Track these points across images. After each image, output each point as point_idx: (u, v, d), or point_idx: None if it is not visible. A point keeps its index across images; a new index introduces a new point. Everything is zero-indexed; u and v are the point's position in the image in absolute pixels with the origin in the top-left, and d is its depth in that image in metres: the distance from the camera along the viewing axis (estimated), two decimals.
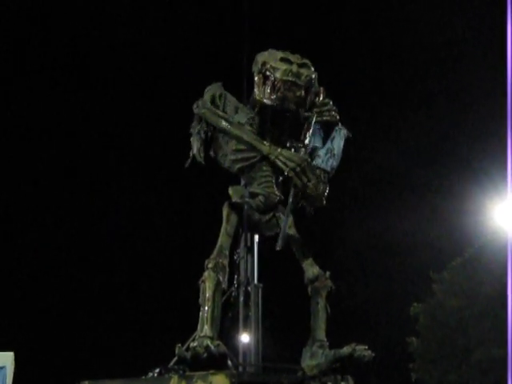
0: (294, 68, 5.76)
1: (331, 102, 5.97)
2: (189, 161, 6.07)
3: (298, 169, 5.60)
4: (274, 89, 5.77)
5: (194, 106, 6.02)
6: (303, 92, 5.80)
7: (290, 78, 5.74)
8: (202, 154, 6.01)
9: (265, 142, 5.77)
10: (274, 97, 5.74)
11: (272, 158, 5.68)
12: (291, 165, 5.61)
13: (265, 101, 5.79)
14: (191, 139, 6.10)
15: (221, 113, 5.94)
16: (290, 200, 5.72)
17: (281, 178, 6.08)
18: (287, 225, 5.72)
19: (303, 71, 5.80)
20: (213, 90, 6.09)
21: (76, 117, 24.83)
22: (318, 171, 5.78)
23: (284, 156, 5.66)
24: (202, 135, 6.01)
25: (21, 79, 24.18)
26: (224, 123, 5.87)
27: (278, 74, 5.74)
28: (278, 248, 5.64)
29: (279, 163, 5.65)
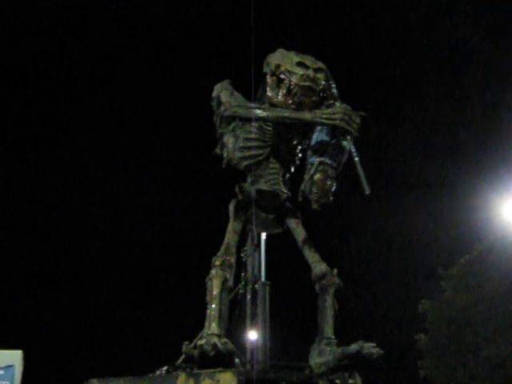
0: (311, 73, 5.77)
1: (335, 90, 5.94)
2: (225, 161, 6.07)
3: (346, 117, 5.59)
4: (289, 93, 5.78)
5: (222, 109, 5.97)
6: (318, 96, 5.82)
7: (308, 84, 5.75)
8: (237, 152, 5.97)
9: (303, 112, 5.72)
10: (290, 101, 5.76)
11: (318, 120, 5.65)
12: (338, 116, 5.59)
13: (280, 105, 5.77)
14: (224, 139, 6.07)
15: (250, 104, 5.93)
16: (353, 149, 5.63)
17: (288, 176, 6.07)
18: (361, 167, 5.57)
19: (319, 76, 5.81)
20: (226, 88, 6.05)
21: (81, 116, 24.85)
22: (325, 167, 5.76)
23: (327, 113, 5.65)
24: (238, 133, 5.96)
25: (21, 79, 24.22)
26: (259, 111, 5.81)
27: (294, 79, 5.76)
28: (367, 192, 5.48)
29: (327, 121, 5.63)
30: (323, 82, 5.85)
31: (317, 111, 5.67)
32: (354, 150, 5.63)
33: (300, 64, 5.81)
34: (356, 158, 5.59)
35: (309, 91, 5.78)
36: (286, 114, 5.73)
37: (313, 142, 5.88)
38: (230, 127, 6.00)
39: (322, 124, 5.70)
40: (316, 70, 5.82)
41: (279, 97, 5.82)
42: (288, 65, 5.82)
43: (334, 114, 5.62)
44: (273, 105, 5.86)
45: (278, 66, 5.85)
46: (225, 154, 6.10)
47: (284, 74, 5.81)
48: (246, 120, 5.88)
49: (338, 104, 5.77)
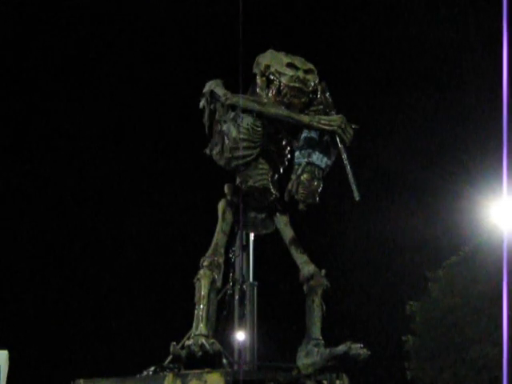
0: (301, 74, 5.81)
1: (330, 100, 5.97)
2: (217, 149, 6.00)
3: (343, 125, 5.65)
4: (279, 94, 5.82)
5: (223, 98, 5.90)
6: (308, 98, 5.85)
7: (297, 85, 5.79)
8: (226, 153, 5.94)
9: (301, 114, 5.78)
10: (279, 102, 5.79)
11: (315, 124, 5.69)
12: (335, 123, 5.66)
13: None
14: (224, 128, 5.94)
15: (251, 97, 5.93)
16: (345, 156, 5.67)
17: (276, 176, 6.08)
18: (352, 175, 5.62)
19: (309, 77, 5.86)
20: (219, 84, 6.03)
21: (76, 118, 24.72)
22: (312, 168, 5.78)
23: (324, 119, 5.70)
24: (239, 121, 5.91)
25: (21, 79, 24.11)
26: (259, 106, 5.80)
27: (284, 80, 5.79)
28: (357, 199, 5.56)
29: (324, 126, 5.69)
30: (313, 84, 5.89)
31: (315, 116, 5.74)
32: (345, 157, 5.69)
33: (290, 65, 5.84)
34: (347, 167, 5.65)
35: (298, 92, 5.81)
36: (286, 113, 5.77)
37: (301, 142, 5.90)
38: (230, 116, 5.91)
39: (318, 129, 5.74)
40: (306, 71, 5.86)
41: (269, 97, 5.85)
42: (278, 66, 5.84)
43: (331, 120, 5.69)
44: None
45: (267, 67, 5.88)
46: (226, 142, 5.93)
47: (274, 74, 5.84)
48: (247, 112, 5.85)
49: (334, 113, 5.83)
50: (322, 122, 5.69)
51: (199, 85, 6.21)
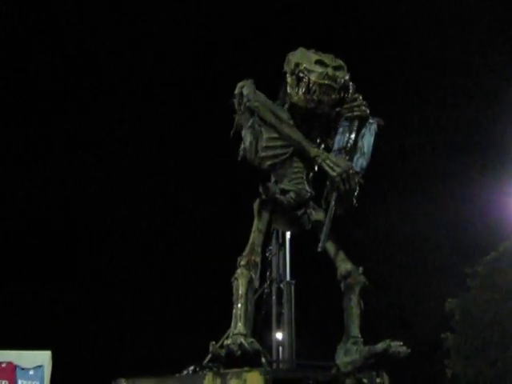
0: (330, 71, 5.79)
1: (361, 97, 5.94)
2: (241, 153, 6.06)
3: (345, 175, 5.60)
4: (309, 91, 5.80)
5: (245, 99, 5.93)
6: (338, 94, 5.82)
7: (327, 82, 5.77)
8: (253, 149, 5.98)
9: (313, 145, 5.79)
10: (309, 99, 5.78)
11: (319, 160, 5.68)
12: (338, 170, 5.62)
13: (300, 103, 5.80)
14: (243, 133, 6.03)
15: (273, 109, 5.93)
16: (333, 203, 5.66)
17: (311, 175, 6.07)
18: (329, 227, 5.63)
19: (339, 74, 5.83)
20: (248, 85, 6.05)
21: (96, 121, 24.89)
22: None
23: (331, 160, 5.67)
24: (257, 128, 5.96)
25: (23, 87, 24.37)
26: (275, 120, 5.85)
27: (313, 77, 5.77)
28: (319, 249, 5.58)
29: (326, 167, 5.66)
30: (342, 80, 5.83)
31: (325, 153, 5.71)
32: (332, 205, 5.63)
33: (319, 62, 5.82)
34: (330, 214, 5.61)
35: (328, 89, 5.79)
36: (295, 138, 5.80)
37: (335, 145, 5.87)
38: (249, 123, 5.96)
39: (321, 166, 5.71)
40: (335, 68, 5.83)
41: (299, 95, 5.83)
42: (307, 63, 5.83)
43: (336, 165, 5.63)
44: (292, 104, 5.87)
45: (297, 65, 5.86)
46: (241, 148, 6.06)
47: (303, 72, 5.82)
48: (263, 119, 5.89)
49: (345, 157, 5.71)
50: (328, 161, 5.65)
51: (233, 84, 6.21)
